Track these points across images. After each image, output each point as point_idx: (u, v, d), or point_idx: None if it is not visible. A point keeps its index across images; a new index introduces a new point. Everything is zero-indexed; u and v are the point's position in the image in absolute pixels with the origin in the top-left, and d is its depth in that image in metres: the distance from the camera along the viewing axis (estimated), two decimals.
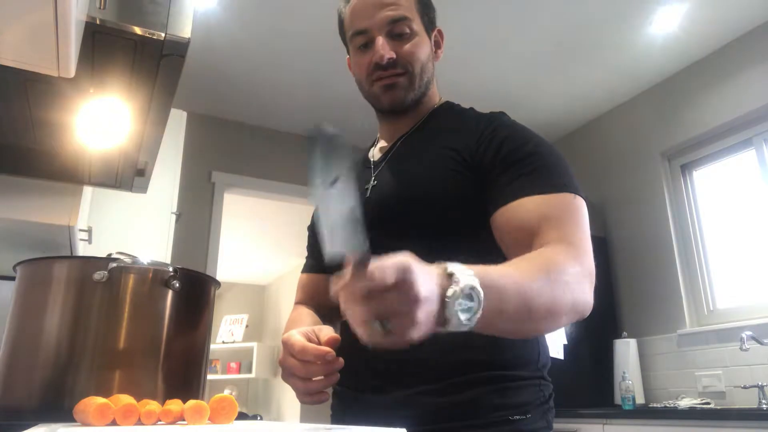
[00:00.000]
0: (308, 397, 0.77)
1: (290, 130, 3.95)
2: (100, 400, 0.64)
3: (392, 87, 0.97)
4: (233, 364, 6.66)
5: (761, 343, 2.54)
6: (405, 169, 0.97)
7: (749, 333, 2.53)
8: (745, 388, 2.56)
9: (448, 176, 0.90)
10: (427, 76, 1.01)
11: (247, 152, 3.82)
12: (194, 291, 0.98)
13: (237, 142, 3.81)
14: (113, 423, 0.63)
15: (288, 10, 2.76)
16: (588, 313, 0.75)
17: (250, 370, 6.53)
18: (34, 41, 0.78)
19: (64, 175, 1.67)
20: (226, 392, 4.38)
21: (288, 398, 6.13)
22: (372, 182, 1.00)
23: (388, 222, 0.91)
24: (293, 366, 0.75)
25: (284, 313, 6.77)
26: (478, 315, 0.58)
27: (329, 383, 0.76)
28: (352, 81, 1.06)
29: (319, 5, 2.69)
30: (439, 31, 1.08)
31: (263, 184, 3.80)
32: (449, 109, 1.06)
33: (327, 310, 1.06)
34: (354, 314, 0.53)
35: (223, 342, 6.66)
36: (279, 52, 3.09)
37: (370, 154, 1.10)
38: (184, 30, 1.05)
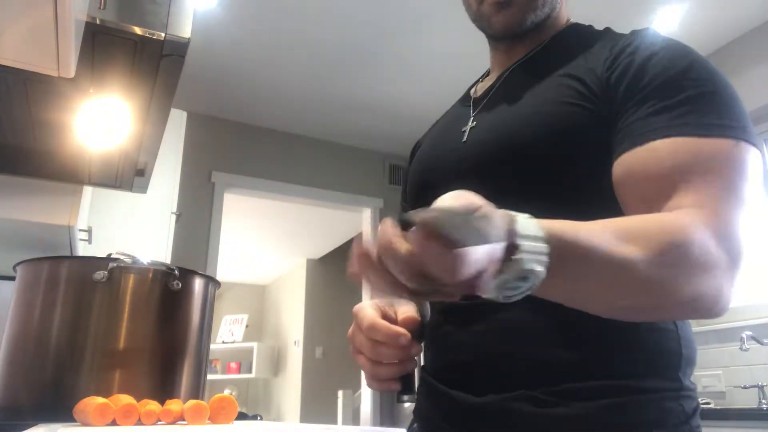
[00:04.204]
0: (375, 382, 0.64)
1: (290, 130, 3.95)
2: (100, 400, 0.64)
3: (507, 5, 0.79)
4: (233, 364, 6.66)
5: (761, 343, 2.54)
6: (511, 107, 0.77)
7: (749, 333, 2.53)
8: (745, 388, 2.56)
9: (564, 114, 0.69)
10: None
11: (247, 152, 3.82)
12: (194, 291, 0.98)
13: (237, 142, 3.81)
14: (113, 423, 0.63)
15: (288, 10, 2.75)
16: (722, 313, 0.56)
17: (250, 370, 6.53)
18: (34, 41, 0.78)
19: (64, 175, 1.67)
20: (226, 392, 4.38)
21: (288, 398, 6.13)
22: (471, 123, 0.81)
23: (488, 174, 0.73)
24: (361, 344, 0.63)
25: (284, 313, 6.77)
26: (527, 293, 0.46)
27: (401, 371, 0.62)
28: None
29: (319, 5, 2.69)
30: None
31: (263, 184, 3.80)
32: (577, 30, 0.84)
33: None
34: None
35: (223, 342, 6.66)
36: (279, 52, 3.09)
37: (473, 90, 0.90)
38: (184, 30, 1.05)
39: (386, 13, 2.74)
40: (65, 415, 0.74)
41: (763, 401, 2.46)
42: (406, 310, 0.64)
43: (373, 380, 0.64)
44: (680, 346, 0.68)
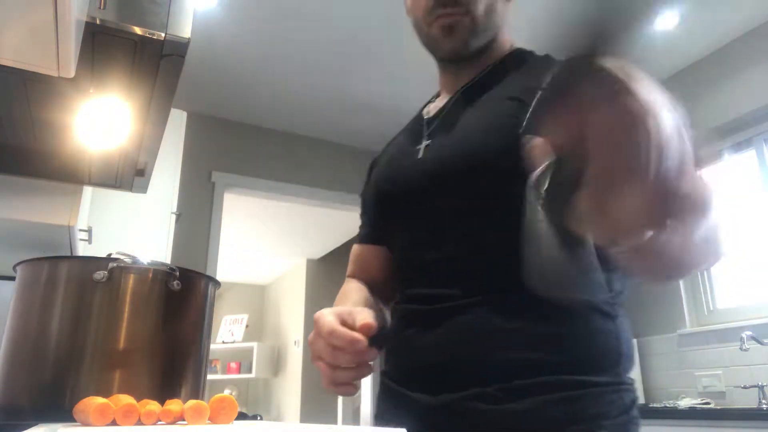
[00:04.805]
0: (333, 386, 0.68)
1: (290, 130, 3.95)
2: (100, 400, 0.64)
3: (453, 29, 0.85)
4: (233, 364, 6.66)
5: (761, 343, 2.54)
6: (461, 126, 0.83)
7: (749, 333, 2.53)
8: (745, 388, 2.56)
9: (507, 132, 0.73)
10: (495, 20, 0.88)
11: (247, 152, 3.82)
12: (194, 291, 0.98)
13: (237, 142, 3.81)
14: (113, 423, 0.63)
15: (288, 11, 2.76)
16: None
17: (250, 370, 6.53)
18: (34, 41, 0.78)
19: (64, 175, 1.67)
20: (226, 392, 4.38)
21: (288, 398, 6.13)
22: (425, 141, 0.88)
23: (443, 187, 0.81)
24: (320, 349, 0.66)
25: (284, 313, 6.77)
26: None
27: (358, 375, 0.66)
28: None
29: (319, 5, 2.69)
30: None
31: (263, 184, 3.81)
32: (520, 56, 0.92)
33: (380, 286, 0.95)
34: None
35: (223, 342, 6.66)
36: (279, 52, 3.09)
37: (425, 111, 0.97)
38: (184, 30, 1.05)
39: (386, 13, 2.74)
40: (65, 415, 0.74)
41: (763, 401, 2.46)
42: (365, 317, 0.67)
43: (331, 384, 0.68)
44: (620, 345, 0.77)
